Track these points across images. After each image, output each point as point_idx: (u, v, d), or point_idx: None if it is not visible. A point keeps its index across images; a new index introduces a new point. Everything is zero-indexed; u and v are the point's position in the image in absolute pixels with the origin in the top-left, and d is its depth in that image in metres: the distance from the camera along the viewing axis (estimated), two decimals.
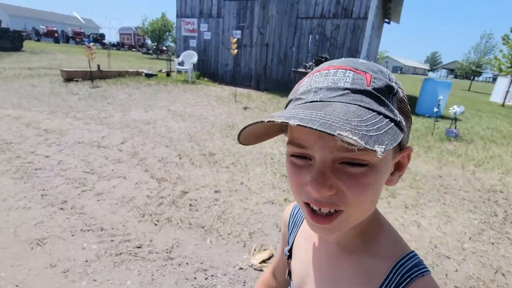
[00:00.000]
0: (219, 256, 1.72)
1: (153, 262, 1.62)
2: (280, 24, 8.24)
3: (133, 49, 30.94)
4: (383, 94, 0.33)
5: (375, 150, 0.25)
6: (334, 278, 0.42)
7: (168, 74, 9.62)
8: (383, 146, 0.26)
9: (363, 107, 0.31)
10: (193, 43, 10.41)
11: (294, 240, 0.52)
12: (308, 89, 0.34)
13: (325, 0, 7.93)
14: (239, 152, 3.37)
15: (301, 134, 0.33)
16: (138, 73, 8.88)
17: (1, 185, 2.29)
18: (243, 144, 0.38)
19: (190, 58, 8.96)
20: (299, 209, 0.53)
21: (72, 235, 1.79)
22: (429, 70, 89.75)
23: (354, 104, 0.31)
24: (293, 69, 6.39)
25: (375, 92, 0.32)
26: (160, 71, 10.85)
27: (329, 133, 0.25)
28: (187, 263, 1.64)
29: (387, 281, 0.37)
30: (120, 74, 8.25)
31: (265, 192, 2.51)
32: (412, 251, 0.39)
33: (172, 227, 1.94)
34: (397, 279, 0.36)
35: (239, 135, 0.35)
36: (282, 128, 0.38)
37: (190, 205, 2.22)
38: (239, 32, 9.45)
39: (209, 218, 2.08)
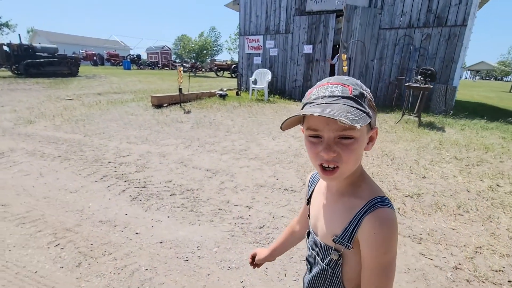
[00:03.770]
0: None
1: None
2: (363, 36, 7.80)
3: (166, 68, 31.69)
4: (359, 98, 0.56)
5: (355, 126, 0.49)
6: (333, 213, 0.65)
7: (237, 93, 9.37)
8: (359, 124, 0.50)
9: (349, 105, 0.53)
10: (257, 60, 10.18)
11: (312, 192, 0.77)
12: (317, 96, 0.57)
13: (414, 9, 7.43)
14: (445, 190, 2.83)
15: (315, 122, 0.56)
16: (211, 94, 8.68)
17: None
18: (283, 130, 0.61)
19: (264, 76, 8.67)
20: (316, 174, 0.78)
21: None
22: None
23: (344, 104, 0.53)
24: (406, 84, 5.86)
25: (354, 97, 0.55)
26: (221, 89, 10.66)
27: (333, 118, 0.49)
28: None
29: (361, 211, 0.58)
30: (197, 96, 8.06)
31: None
32: (384, 196, 0.59)
33: None
34: (366, 208, 0.58)
35: (282, 124, 0.59)
36: (300, 121, 0.61)
37: None
38: (310, 46, 9.12)
39: None
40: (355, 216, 0.58)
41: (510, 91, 25.14)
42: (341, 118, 0.48)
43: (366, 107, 0.56)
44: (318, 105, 0.54)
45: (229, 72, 22.72)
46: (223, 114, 6.17)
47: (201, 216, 2.31)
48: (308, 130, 0.58)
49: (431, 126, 5.61)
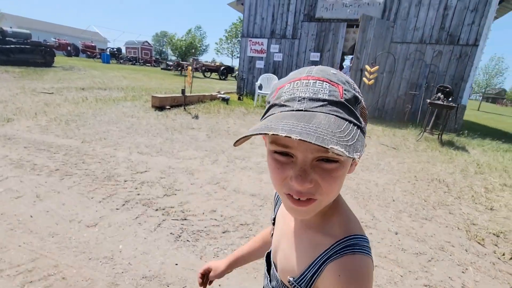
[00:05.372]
0: None
1: None
2: (375, 48, 7.63)
3: (148, 64, 30.16)
4: (352, 104, 0.39)
5: (355, 158, 0.32)
6: (295, 247, 0.49)
7: (239, 98, 8.81)
8: (358, 153, 0.33)
9: (339, 117, 0.37)
10: (259, 64, 9.70)
11: (277, 212, 0.60)
12: (292, 97, 0.39)
13: (427, 25, 7.39)
14: None
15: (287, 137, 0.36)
16: (212, 97, 8.04)
17: None
18: (236, 146, 0.40)
19: (270, 81, 8.21)
20: None
21: None
22: None
23: (332, 114, 0.37)
24: (429, 101, 5.66)
25: (346, 103, 0.38)
26: (218, 92, 10.03)
27: (324, 147, 0.31)
28: None
29: (325, 253, 0.43)
30: (199, 99, 7.39)
31: None
32: (358, 234, 0.43)
33: None
34: (332, 252, 0.42)
35: (237, 141, 0.38)
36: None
37: None
38: (317, 54, 8.83)
39: None
40: (317, 258, 0.44)
41: (478, 110, 27.19)
42: (333, 147, 0.31)
43: (360, 118, 0.41)
44: (293, 113, 0.37)
45: (217, 73, 22.00)
46: (235, 122, 5.59)
47: None
48: (273, 144, 0.40)
49: (452, 145, 5.46)
